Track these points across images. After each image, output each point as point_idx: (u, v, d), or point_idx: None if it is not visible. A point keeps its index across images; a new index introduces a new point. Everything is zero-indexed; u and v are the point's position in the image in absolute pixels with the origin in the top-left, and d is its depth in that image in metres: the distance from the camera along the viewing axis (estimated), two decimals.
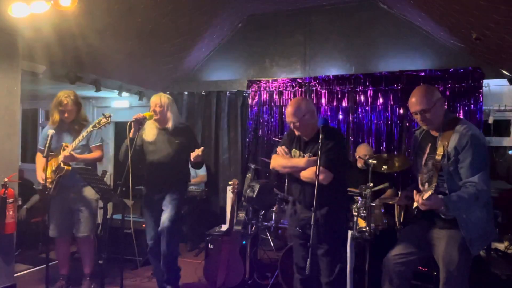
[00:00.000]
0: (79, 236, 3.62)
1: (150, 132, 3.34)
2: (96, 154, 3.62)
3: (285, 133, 5.19)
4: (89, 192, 3.56)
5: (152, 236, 3.38)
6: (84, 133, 3.35)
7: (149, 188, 3.44)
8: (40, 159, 3.55)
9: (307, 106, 2.69)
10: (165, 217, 3.27)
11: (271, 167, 2.89)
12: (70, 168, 3.38)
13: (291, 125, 2.72)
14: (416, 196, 2.21)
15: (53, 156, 3.46)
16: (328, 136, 2.58)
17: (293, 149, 2.81)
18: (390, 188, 4.10)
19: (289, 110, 2.69)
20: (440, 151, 2.37)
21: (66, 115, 3.53)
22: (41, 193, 4.02)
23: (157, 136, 3.34)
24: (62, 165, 3.38)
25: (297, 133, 2.74)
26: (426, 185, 2.37)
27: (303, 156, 2.72)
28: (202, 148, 3.20)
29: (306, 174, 2.63)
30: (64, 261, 3.72)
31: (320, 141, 2.47)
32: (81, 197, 3.57)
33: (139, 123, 3.12)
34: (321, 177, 2.51)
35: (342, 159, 2.73)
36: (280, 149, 2.84)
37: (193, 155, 3.18)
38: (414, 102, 2.43)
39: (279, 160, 2.81)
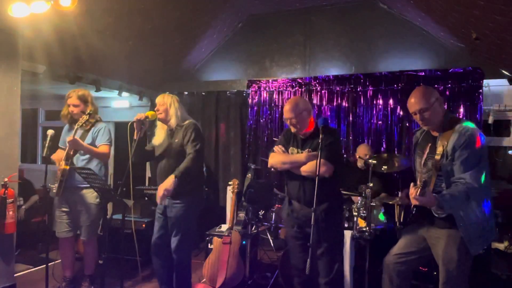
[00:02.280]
0: (82, 239, 3.62)
1: (159, 135, 3.27)
2: (101, 150, 3.54)
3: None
4: (92, 195, 3.50)
5: (158, 230, 3.30)
6: (76, 126, 3.34)
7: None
8: (57, 154, 3.55)
9: (304, 104, 2.76)
10: (174, 242, 3.18)
11: (269, 165, 2.89)
12: (67, 167, 3.35)
13: (288, 122, 2.77)
14: (412, 189, 2.22)
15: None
16: (328, 134, 2.63)
17: (290, 148, 2.85)
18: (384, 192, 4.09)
19: (286, 108, 2.75)
20: (439, 150, 2.37)
21: (71, 109, 3.53)
22: (43, 193, 3.99)
23: (164, 138, 3.25)
24: (62, 164, 3.34)
25: (293, 130, 2.79)
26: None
27: (302, 153, 2.75)
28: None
29: (307, 168, 2.66)
30: (68, 263, 3.67)
31: (320, 140, 2.49)
32: (84, 200, 3.53)
33: (141, 123, 3.06)
34: (323, 169, 2.55)
35: (340, 155, 2.83)
36: (277, 148, 2.87)
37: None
38: (413, 102, 2.47)
39: (278, 157, 2.82)
